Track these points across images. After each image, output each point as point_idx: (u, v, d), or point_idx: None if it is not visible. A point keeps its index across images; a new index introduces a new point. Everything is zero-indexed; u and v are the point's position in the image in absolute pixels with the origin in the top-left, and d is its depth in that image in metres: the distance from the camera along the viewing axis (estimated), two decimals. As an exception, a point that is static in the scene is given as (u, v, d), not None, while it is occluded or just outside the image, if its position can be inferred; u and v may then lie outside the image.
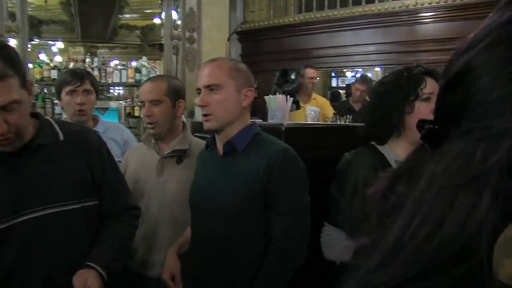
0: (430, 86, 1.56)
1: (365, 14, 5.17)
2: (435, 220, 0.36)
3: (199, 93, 1.62)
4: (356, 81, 4.61)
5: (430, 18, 5.02)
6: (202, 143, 1.98)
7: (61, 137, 1.47)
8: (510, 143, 0.33)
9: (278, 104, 2.32)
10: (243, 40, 6.25)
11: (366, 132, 1.67)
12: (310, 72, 4.10)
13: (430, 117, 1.63)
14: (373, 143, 1.65)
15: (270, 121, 2.33)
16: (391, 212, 0.42)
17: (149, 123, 1.98)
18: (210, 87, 1.59)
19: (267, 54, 5.81)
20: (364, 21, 5.19)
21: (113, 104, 4.99)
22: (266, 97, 2.41)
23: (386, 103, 1.60)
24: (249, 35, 6.18)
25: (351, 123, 2.58)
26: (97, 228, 1.52)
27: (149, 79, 2.15)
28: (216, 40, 5.68)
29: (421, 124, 0.46)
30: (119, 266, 1.56)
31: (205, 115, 1.60)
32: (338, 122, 2.82)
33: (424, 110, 1.54)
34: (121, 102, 5.27)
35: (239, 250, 1.57)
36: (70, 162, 1.47)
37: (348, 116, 2.92)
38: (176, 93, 2.04)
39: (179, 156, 1.99)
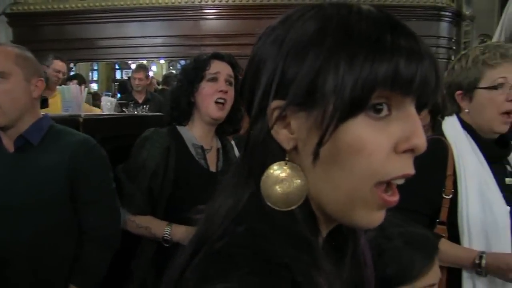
0: (216, 67, 1.70)
1: (152, 6, 5.19)
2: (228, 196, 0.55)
3: None
4: (133, 72, 4.59)
5: (213, 15, 5.35)
6: None
7: None
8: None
9: (72, 95, 2.17)
10: (14, 24, 5.52)
11: (168, 116, 1.76)
12: (59, 64, 3.76)
13: (215, 95, 1.86)
14: (175, 124, 1.73)
15: (64, 112, 2.17)
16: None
17: None
18: None
19: (47, 42, 5.27)
20: (151, 13, 5.20)
21: None
22: (59, 87, 2.24)
23: (178, 87, 1.72)
24: (22, 18, 5.49)
25: (148, 113, 2.59)
26: None
27: None
28: (-21, 21, 4.90)
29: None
30: None
31: None
32: (136, 112, 2.81)
33: (209, 89, 1.68)
34: None
35: (49, 250, 1.46)
36: None
37: (145, 106, 2.93)
38: None
39: None
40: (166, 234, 1.57)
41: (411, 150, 0.50)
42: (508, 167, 1.62)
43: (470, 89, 1.55)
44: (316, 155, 0.50)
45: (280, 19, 0.55)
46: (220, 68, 1.67)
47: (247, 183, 0.54)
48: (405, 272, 1.05)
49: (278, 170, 0.52)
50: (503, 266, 1.40)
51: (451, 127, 1.62)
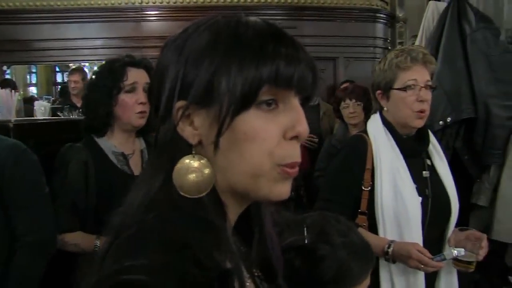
0: (133, 77, 1.67)
1: (91, 7, 5.07)
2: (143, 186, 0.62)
3: None
4: (68, 74, 4.46)
5: (154, 16, 5.31)
6: None
7: None
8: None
9: (2, 100, 2.12)
10: None
11: (85, 124, 1.72)
12: None
13: (136, 108, 1.86)
14: (92, 135, 1.71)
15: (-7, 118, 2.11)
16: None
17: None
18: None
19: (-24, 44, 5.04)
20: (90, 14, 5.08)
21: None
22: (-14, 92, 2.17)
23: (93, 96, 1.67)
24: None
25: (80, 117, 2.55)
26: None
27: None
28: None
29: None
30: None
31: None
32: (72, 117, 2.76)
33: (129, 101, 1.66)
34: None
35: None
36: None
37: (80, 110, 2.87)
38: None
39: None
40: (96, 247, 1.58)
41: (296, 137, 0.61)
42: (428, 161, 1.75)
43: (386, 89, 1.68)
44: (216, 145, 0.59)
45: (181, 31, 0.63)
46: (138, 77, 1.65)
47: (157, 176, 0.61)
48: (343, 280, 1.09)
49: (187, 163, 0.59)
50: (404, 254, 1.52)
51: (373, 124, 1.73)
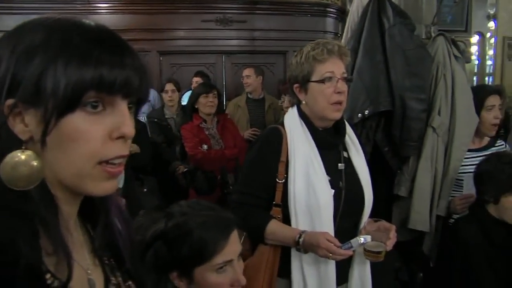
0: None
1: (34, -1, 4.97)
2: None
3: None
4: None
5: (104, 9, 5.25)
6: None
7: None
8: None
9: None
10: None
11: None
12: None
13: None
14: None
15: None
16: None
17: None
18: None
19: None
20: (34, 6, 4.97)
21: None
22: None
23: None
24: None
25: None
26: None
27: None
28: None
29: None
30: None
31: None
32: None
33: None
34: None
35: None
36: None
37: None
38: None
39: None
40: None
41: (123, 137, 0.64)
42: (345, 153, 1.76)
43: (304, 82, 1.67)
44: (42, 143, 0.61)
45: (16, 27, 0.64)
46: None
47: None
48: (199, 252, 1.16)
49: (16, 157, 0.61)
50: (314, 243, 1.54)
51: (290, 117, 1.74)
